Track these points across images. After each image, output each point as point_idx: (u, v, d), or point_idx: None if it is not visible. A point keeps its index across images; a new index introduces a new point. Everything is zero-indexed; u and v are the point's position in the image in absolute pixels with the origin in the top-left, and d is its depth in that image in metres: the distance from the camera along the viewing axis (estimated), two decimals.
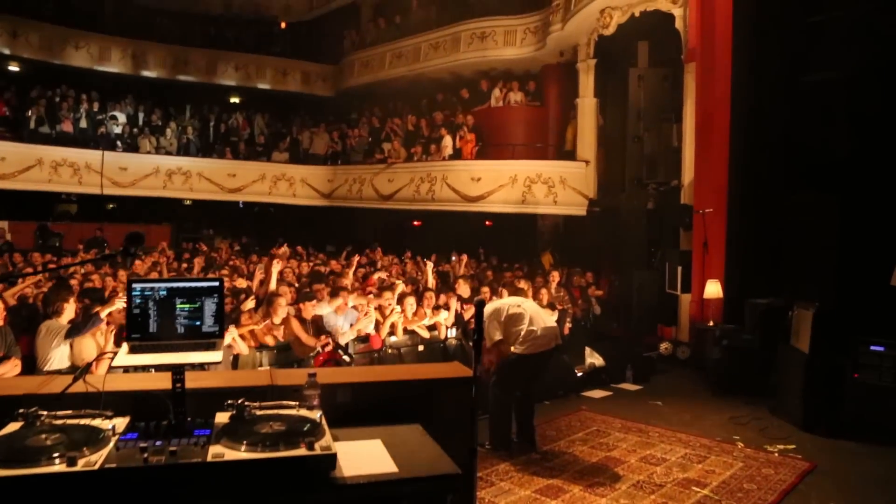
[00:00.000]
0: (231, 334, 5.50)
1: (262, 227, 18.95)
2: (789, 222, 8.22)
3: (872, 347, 7.52)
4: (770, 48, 8.56)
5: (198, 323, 2.36)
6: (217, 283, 2.42)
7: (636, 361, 7.94)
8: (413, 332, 7.43)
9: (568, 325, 9.15)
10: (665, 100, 11.57)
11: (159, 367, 2.26)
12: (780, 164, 8.37)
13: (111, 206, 18.05)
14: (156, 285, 2.35)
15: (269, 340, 6.26)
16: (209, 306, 2.38)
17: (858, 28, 8.10)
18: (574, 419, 6.25)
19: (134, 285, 2.32)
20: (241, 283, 8.08)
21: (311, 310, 6.70)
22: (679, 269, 9.57)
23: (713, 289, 8.40)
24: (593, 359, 8.02)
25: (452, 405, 2.76)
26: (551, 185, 13.18)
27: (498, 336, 5.39)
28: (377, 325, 7.25)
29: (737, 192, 8.74)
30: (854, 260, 7.61)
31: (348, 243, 14.37)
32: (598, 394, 7.28)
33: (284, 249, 10.06)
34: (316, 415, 2.24)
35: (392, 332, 7.29)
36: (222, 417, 2.21)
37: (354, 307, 7.07)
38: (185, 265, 10.92)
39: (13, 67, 17.22)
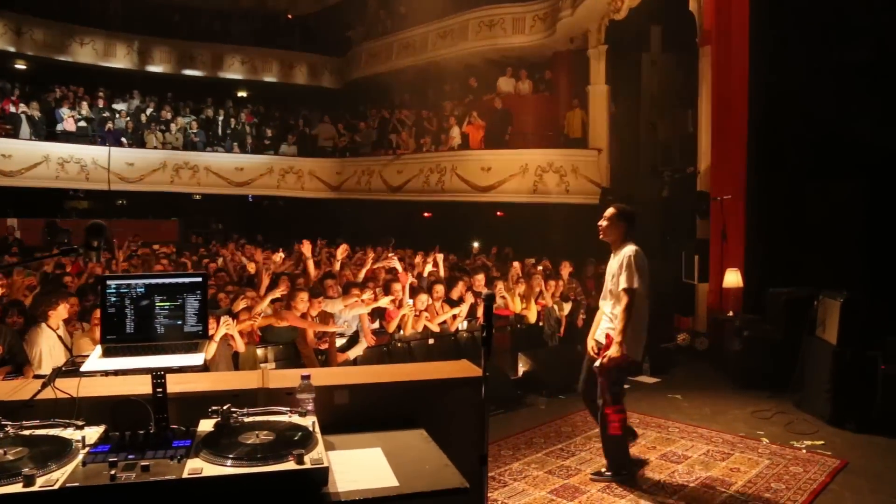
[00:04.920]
0: (226, 329, 5.26)
1: (271, 220, 18.79)
2: (812, 209, 7.95)
3: None
4: (789, 29, 8.23)
5: (179, 322, 2.16)
6: (200, 279, 2.21)
7: (654, 353, 7.67)
8: (423, 326, 7.24)
9: (582, 316, 8.94)
10: (679, 85, 11.26)
11: (136, 372, 2.05)
12: (801, 149, 8.06)
13: (120, 202, 17.98)
14: (133, 282, 2.14)
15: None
16: (192, 304, 2.17)
17: (884, 5, 7.80)
18: (589, 414, 6.00)
19: (109, 282, 2.12)
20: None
21: (319, 307, 6.50)
22: (696, 257, 9.30)
23: (733, 278, 8.12)
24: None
25: (460, 408, 2.53)
26: (563, 174, 12.93)
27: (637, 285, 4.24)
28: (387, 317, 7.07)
29: (756, 178, 8.43)
30: (881, 247, 7.34)
31: (357, 236, 14.17)
32: None
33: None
34: (308, 422, 2.04)
35: (401, 327, 7.10)
36: (206, 426, 2.01)
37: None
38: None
39: (19, 65, 17.15)
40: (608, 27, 12.35)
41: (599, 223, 4.54)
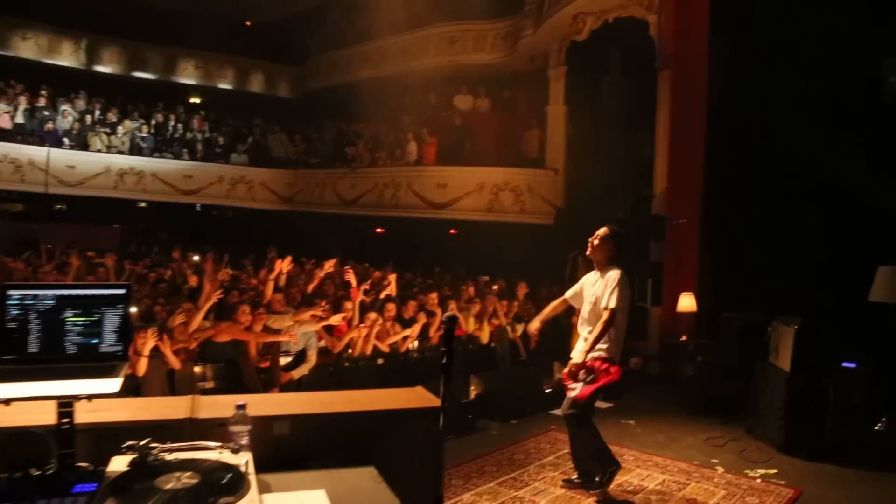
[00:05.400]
0: (154, 342, 4.94)
1: (220, 231, 18.21)
2: (766, 234, 8.00)
3: (845, 364, 7.37)
4: (747, 58, 8.34)
5: (95, 341, 1.87)
6: (123, 291, 1.94)
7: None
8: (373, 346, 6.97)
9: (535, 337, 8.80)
10: (637, 108, 11.34)
11: (36, 399, 1.75)
12: (756, 175, 8.14)
13: (59, 206, 17.14)
14: (40, 292, 1.85)
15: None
16: (111, 320, 1.89)
17: (830, 40, 7.98)
18: (543, 440, 5.84)
19: (10, 292, 1.83)
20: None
21: (263, 321, 6.17)
22: (650, 281, 9.29)
23: (686, 302, 8.11)
24: (561, 374, 7.64)
25: (415, 441, 2.30)
26: (519, 193, 12.84)
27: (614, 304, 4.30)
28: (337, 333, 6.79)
29: (711, 202, 8.49)
30: (833, 274, 7.42)
31: (308, 250, 13.77)
32: None
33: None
34: (242, 460, 1.78)
35: (350, 346, 6.82)
36: (119, 464, 1.72)
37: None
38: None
39: None
40: (569, 48, 12.37)
41: (590, 240, 4.57)
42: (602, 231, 4.54)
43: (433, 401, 2.45)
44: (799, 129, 7.88)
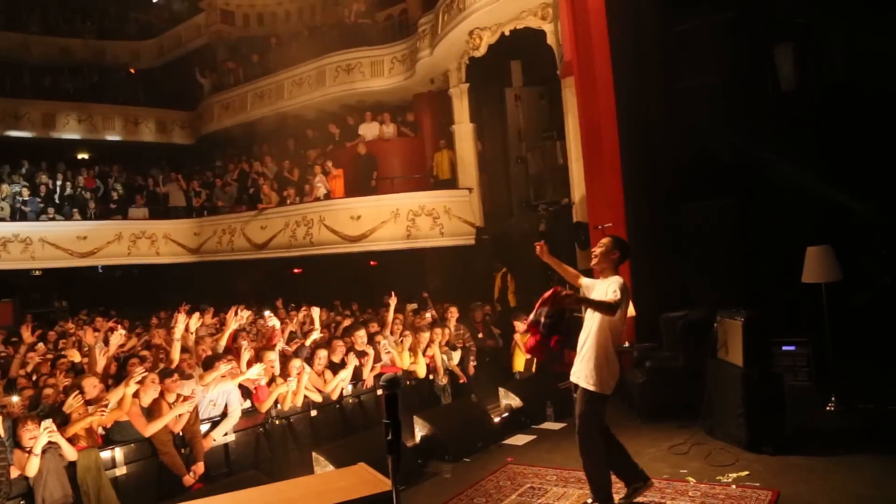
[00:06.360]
0: (47, 438, 4.25)
1: (126, 292, 16.94)
2: (690, 231, 7.96)
3: (785, 348, 7.36)
4: (647, 57, 8.36)
5: None
6: None
7: (555, 396, 7.23)
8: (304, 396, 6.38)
9: (473, 363, 8.44)
10: (545, 117, 11.28)
11: None
12: (672, 173, 8.12)
13: None
14: None
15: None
16: None
17: (721, 33, 8.12)
18: (502, 476, 5.39)
19: None
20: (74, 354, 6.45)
21: (176, 387, 5.49)
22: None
23: None
24: (509, 399, 7.27)
25: None
26: (436, 217, 12.52)
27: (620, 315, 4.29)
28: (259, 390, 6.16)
29: (633, 204, 8.36)
30: (761, 261, 7.42)
31: (224, 299, 12.91)
32: (521, 439, 6.48)
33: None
34: None
35: (279, 402, 6.20)
36: None
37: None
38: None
39: None
40: (468, 65, 12.27)
41: (593, 250, 4.59)
42: (604, 241, 4.56)
43: (381, 483, 1.95)
44: (702, 123, 7.94)
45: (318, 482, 2.27)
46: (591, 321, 4.38)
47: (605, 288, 4.29)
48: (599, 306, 4.22)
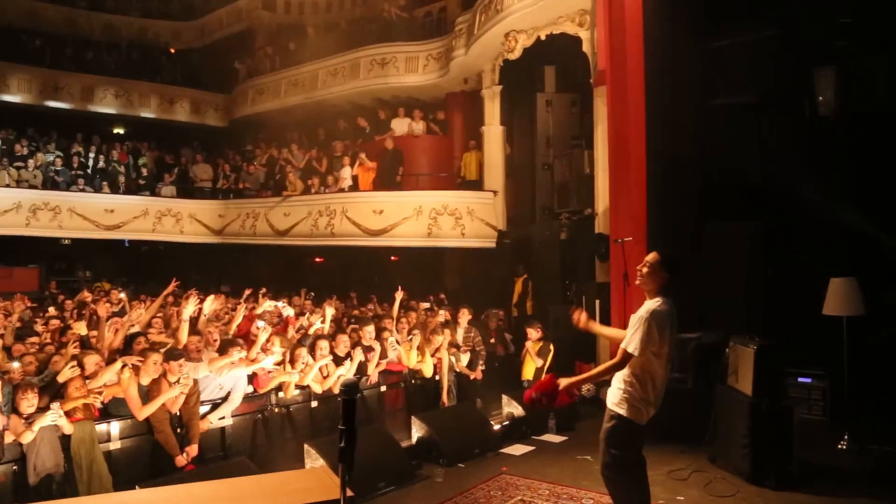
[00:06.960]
0: (52, 416, 4.28)
1: (149, 267, 17.12)
2: (711, 251, 7.76)
3: (800, 379, 7.15)
4: (681, 71, 8.17)
5: None
6: None
7: (558, 408, 7.10)
8: (306, 386, 6.36)
9: (481, 367, 8.34)
10: (574, 125, 11.14)
11: None
12: (698, 190, 7.93)
13: None
14: None
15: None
16: None
17: (761, 53, 7.91)
18: (494, 487, 5.29)
19: None
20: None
21: (179, 371, 5.48)
22: (597, 302, 8.94)
23: None
24: (511, 408, 7.16)
25: None
26: (458, 217, 12.42)
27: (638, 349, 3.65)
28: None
29: (656, 219, 8.19)
30: (781, 288, 7.21)
31: (243, 282, 12.96)
32: (519, 449, 6.37)
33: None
34: None
35: (281, 389, 6.20)
36: None
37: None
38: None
39: None
40: (502, 67, 12.15)
41: (638, 268, 3.90)
42: (651, 257, 3.86)
43: (331, 491, 1.85)
44: (732, 143, 7.75)
45: (276, 481, 2.21)
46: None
47: (634, 322, 3.73)
48: (601, 376, 3.87)
